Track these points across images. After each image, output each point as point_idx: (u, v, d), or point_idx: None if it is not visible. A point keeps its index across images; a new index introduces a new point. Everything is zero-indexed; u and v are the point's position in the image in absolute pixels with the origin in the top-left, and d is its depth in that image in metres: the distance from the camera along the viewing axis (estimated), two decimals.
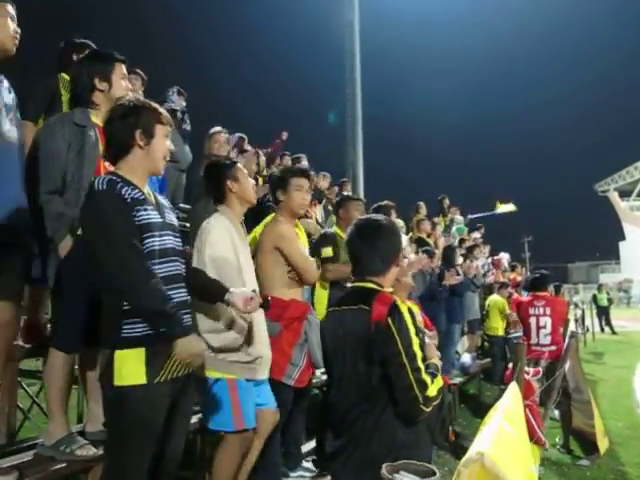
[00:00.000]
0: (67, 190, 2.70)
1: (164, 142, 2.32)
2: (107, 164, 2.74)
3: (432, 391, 2.06)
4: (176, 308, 2.12)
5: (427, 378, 2.06)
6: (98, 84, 2.85)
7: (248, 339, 2.89)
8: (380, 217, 2.37)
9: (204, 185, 3.37)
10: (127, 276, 2.05)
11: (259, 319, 3.01)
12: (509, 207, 13.92)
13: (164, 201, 2.39)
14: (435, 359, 2.27)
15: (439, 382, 2.13)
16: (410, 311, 2.14)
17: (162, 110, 2.34)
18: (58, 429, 2.67)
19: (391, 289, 2.32)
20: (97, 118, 2.82)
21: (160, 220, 2.23)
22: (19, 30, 2.65)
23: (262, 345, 2.99)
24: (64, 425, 2.71)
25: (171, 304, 2.10)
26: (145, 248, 2.14)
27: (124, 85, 2.93)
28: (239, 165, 3.25)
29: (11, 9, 2.61)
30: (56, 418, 2.69)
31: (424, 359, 2.15)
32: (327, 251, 4.13)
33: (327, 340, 2.34)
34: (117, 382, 2.08)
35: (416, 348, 2.07)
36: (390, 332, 2.05)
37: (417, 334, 2.11)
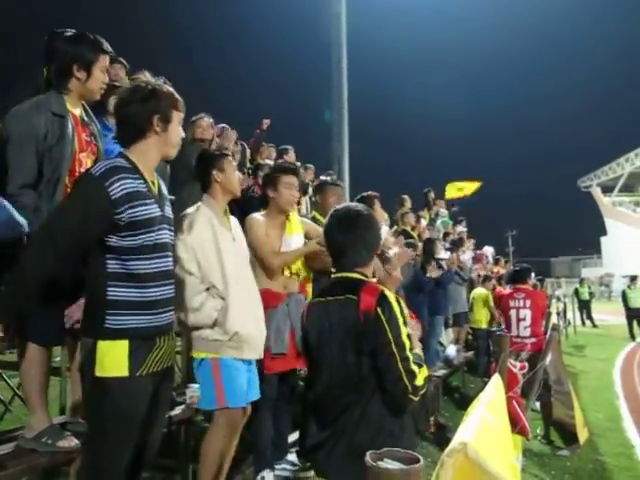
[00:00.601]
0: (42, 183, 2.58)
1: (178, 128, 2.31)
2: (82, 155, 2.70)
3: (420, 380, 2.07)
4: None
5: (415, 367, 2.06)
6: (76, 71, 2.69)
7: (222, 317, 2.97)
8: (359, 206, 2.34)
9: (194, 171, 3.46)
10: (29, 262, 2.05)
11: (240, 297, 3.05)
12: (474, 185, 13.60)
13: (165, 191, 2.37)
14: (418, 349, 2.27)
15: (425, 371, 2.14)
16: (398, 300, 2.14)
17: (178, 96, 2.31)
18: (40, 421, 2.64)
19: (375, 279, 2.32)
20: (71, 105, 2.72)
21: (159, 214, 2.20)
22: None
23: (241, 322, 3.01)
24: (45, 417, 2.67)
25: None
26: (140, 243, 2.11)
27: (103, 78, 2.78)
28: (229, 158, 3.33)
29: None
30: (37, 411, 2.65)
31: (411, 349, 2.15)
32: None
33: (311, 331, 2.29)
34: (99, 373, 2.06)
35: (405, 338, 2.07)
36: (379, 322, 2.04)
37: (405, 323, 2.11)
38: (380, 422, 2.07)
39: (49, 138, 2.58)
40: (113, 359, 2.06)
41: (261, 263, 3.54)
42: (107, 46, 2.79)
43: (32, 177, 2.56)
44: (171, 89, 2.30)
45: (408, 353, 2.06)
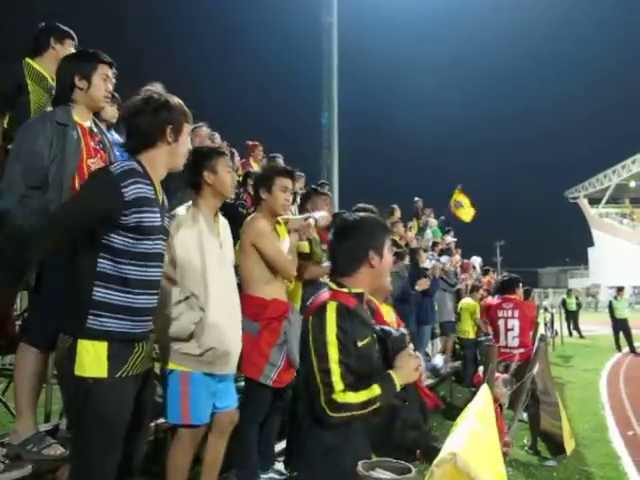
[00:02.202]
0: (50, 189, 2.66)
1: (187, 139, 2.36)
2: (90, 161, 2.78)
3: (347, 398, 1.95)
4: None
5: (338, 382, 1.96)
6: (78, 82, 2.81)
7: (199, 330, 2.83)
8: (356, 215, 2.28)
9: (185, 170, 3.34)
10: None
11: (220, 310, 2.91)
12: (464, 215, 13.83)
13: (166, 202, 2.40)
14: (399, 370, 2.11)
15: (371, 392, 1.99)
16: (341, 311, 2.04)
17: (186, 108, 2.36)
18: (26, 428, 2.62)
19: (361, 289, 2.20)
20: (79, 117, 2.81)
21: (159, 224, 2.23)
22: None
23: (219, 337, 2.87)
24: (32, 424, 2.66)
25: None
26: (138, 248, 2.14)
27: (105, 87, 2.88)
28: (224, 157, 3.15)
29: None
30: (24, 417, 2.64)
31: (341, 361, 2.02)
32: (304, 246, 3.96)
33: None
34: (78, 372, 2.04)
35: (331, 349, 1.97)
36: (307, 330, 2.05)
37: (340, 336, 1.99)
38: (320, 437, 2.01)
39: (54, 146, 2.68)
40: (92, 359, 2.05)
41: (280, 272, 3.46)
42: (105, 56, 2.90)
43: (38, 181, 2.64)
44: (180, 102, 2.35)
45: (331, 365, 1.96)
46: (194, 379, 2.86)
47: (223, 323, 2.92)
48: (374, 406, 1.98)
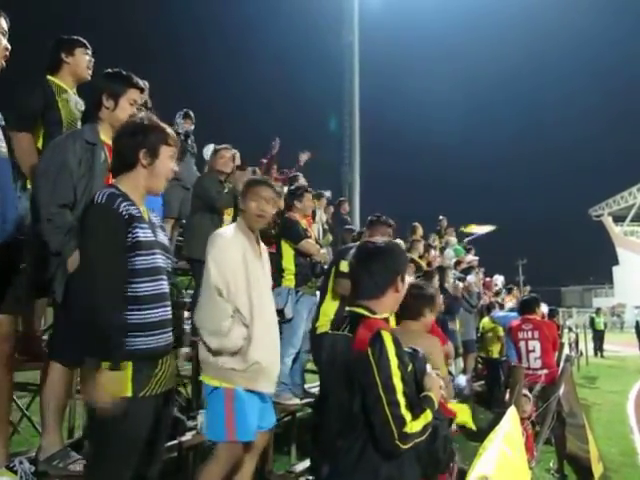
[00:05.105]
0: (77, 206, 2.71)
1: (167, 162, 2.34)
2: (114, 181, 2.83)
3: (413, 427, 1.98)
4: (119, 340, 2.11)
5: (406, 413, 1.97)
6: (105, 100, 2.87)
7: (245, 345, 2.89)
8: (382, 240, 2.32)
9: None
10: (89, 296, 2.08)
11: (263, 327, 2.98)
12: (488, 228, 13.88)
13: (156, 220, 2.43)
14: (432, 392, 2.17)
15: (427, 417, 2.05)
16: (396, 341, 2.05)
17: (169, 131, 2.37)
18: (52, 444, 2.65)
19: (386, 314, 2.23)
20: (105, 135, 2.85)
21: (152, 239, 2.26)
22: (9, 47, 2.64)
23: (263, 352, 2.93)
24: (58, 440, 2.69)
25: (115, 336, 2.09)
26: (135, 265, 2.17)
27: (131, 110, 2.92)
28: (268, 188, 3.19)
29: (4, 23, 2.59)
30: (50, 432, 2.66)
31: (421, 390, 2.15)
32: (344, 265, 3.96)
33: (322, 361, 2.36)
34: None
35: (396, 380, 1.98)
36: (369, 362, 1.98)
37: (400, 366, 2.02)
38: (376, 467, 2.00)
39: (82, 164, 2.73)
40: (117, 380, 2.07)
41: None
42: (138, 82, 2.94)
43: (67, 199, 2.70)
44: (163, 125, 2.36)
45: (398, 397, 1.97)
46: (239, 395, 2.88)
47: (264, 340, 2.97)
48: (429, 431, 2.04)
